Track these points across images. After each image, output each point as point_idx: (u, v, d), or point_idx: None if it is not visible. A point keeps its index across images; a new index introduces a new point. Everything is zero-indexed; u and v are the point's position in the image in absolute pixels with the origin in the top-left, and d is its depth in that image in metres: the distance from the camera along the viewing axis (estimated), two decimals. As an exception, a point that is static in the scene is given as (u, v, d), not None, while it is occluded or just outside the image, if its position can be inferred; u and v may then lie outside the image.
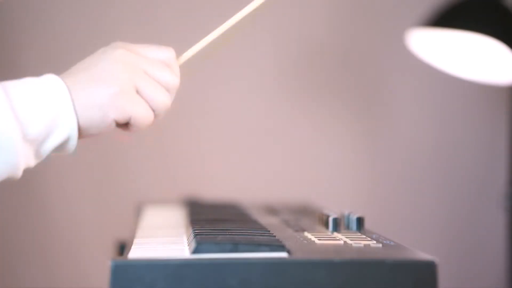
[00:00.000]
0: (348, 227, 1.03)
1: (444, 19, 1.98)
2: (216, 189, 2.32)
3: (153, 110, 0.93)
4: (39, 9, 2.34)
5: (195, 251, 0.81)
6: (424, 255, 0.78)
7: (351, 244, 0.87)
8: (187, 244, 0.89)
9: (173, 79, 0.95)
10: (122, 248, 1.19)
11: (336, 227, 1.01)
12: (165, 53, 0.98)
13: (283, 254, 0.80)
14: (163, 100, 0.93)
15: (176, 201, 1.46)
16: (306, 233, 0.97)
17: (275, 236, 0.91)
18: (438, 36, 2.06)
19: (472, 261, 2.42)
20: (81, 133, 0.90)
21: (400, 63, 2.40)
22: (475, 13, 1.97)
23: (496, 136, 2.40)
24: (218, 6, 2.39)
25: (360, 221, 1.02)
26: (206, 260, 0.77)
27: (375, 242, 0.88)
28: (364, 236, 0.94)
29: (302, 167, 2.43)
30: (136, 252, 0.84)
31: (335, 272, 0.76)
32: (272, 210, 1.27)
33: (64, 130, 0.88)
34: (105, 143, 2.37)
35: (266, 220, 1.12)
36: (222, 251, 0.80)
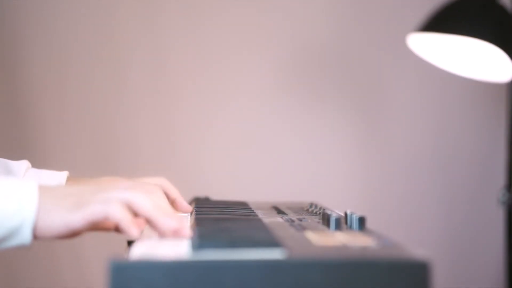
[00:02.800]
0: (350, 227, 1.03)
1: (440, 24, 1.98)
2: (225, 189, 2.33)
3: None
4: (41, 9, 2.33)
5: (195, 247, 0.82)
6: (419, 256, 0.78)
7: (350, 244, 0.87)
8: (190, 242, 0.89)
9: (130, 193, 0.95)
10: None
11: (338, 227, 1.01)
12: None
13: (280, 253, 0.81)
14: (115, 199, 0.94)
15: (186, 201, 1.46)
16: (307, 233, 0.97)
17: (273, 235, 0.91)
18: (435, 38, 2.06)
19: (471, 259, 2.41)
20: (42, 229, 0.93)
21: (399, 64, 2.40)
22: (469, 17, 1.97)
23: (494, 135, 2.40)
24: (217, 7, 2.40)
25: (361, 221, 1.02)
26: (205, 261, 0.77)
27: (374, 242, 0.88)
28: (365, 236, 0.93)
29: (308, 167, 2.43)
30: (137, 252, 0.84)
31: (330, 272, 0.77)
32: (279, 210, 1.27)
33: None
34: (112, 144, 2.37)
35: (271, 220, 1.12)
36: (220, 247, 0.81)
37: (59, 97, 2.35)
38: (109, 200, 0.92)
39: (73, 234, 0.94)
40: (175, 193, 1.27)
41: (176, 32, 2.37)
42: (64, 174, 1.32)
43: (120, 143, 2.39)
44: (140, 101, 2.39)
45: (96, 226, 0.98)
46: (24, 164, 1.32)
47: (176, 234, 0.93)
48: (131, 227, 0.91)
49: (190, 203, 1.43)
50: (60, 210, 0.92)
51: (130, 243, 1.00)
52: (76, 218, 0.92)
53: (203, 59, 2.40)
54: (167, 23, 2.36)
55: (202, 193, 1.58)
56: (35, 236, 0.93)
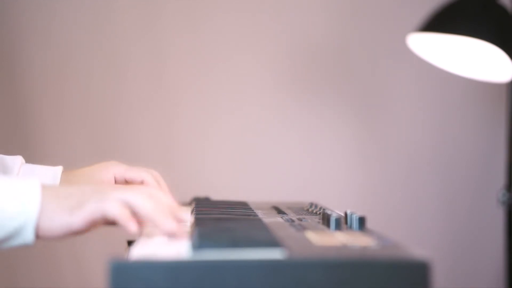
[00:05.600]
0: (350, 227, 1.03)
1: (440, 24, 1.98)
2: (225, 189, 2.32)
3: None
4: (41, 9, 2.33)
5: (195, 246, 0.82)
6: (419, 256, 0.78)
7: (350, 244, 0.87)
8: (190, 242, 0.89)
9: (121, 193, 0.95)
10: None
11: (338, 227, 1.01)
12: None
13: (280, 252, 0.80)
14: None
15: (185, 202, 1.46)
16: (307, 233, 0.96)
17: (273, 235, 0.91)
18: (435, 38, 2.06)
19: (471, 259, 2.41)
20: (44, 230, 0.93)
21: (399, 64, 2.40)
22: (469, 17, 1.96)
23: (494, 135, 2.40)
24: (217, 7, 2.39)
25: (361, 221, 1.02)
26: (205, 260, 0.77)
27: (374, 242, 0.88)
28: (365, 236, 0.93)
29: (308, 167, 2.43)
30: (137, 252, 0.84)
31: (330, 272, 0.77)
32: (279, 210, 1.27)
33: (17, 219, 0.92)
34: (112, 143, 2.37)
35: (271, 220, 1.12)
36: (220, 247, 0.81)
37: (59, 96, 2.35)
38: (106, 198, 0.92)
39: (74, 234, 0.94)
40: (164, 188, 1.27)
41: (176, 32, 2.37)
42: (59, 169, 1.31)
43: (120, 143, 2.39)
44: (140, 101, 2.39)
45: (97, 224, 0.98)
46: (19, 159, 1.32)
47: (173, 236, 0.93)
48: (129, 223, 0.91)
49: (190, 203, 1.43)
50: (61, 212, 0.92)
51: (130, 243, 1.00)
52: (76, 220, 0.92)
53: (203, 59, 2.40)
54: (167, 23, 2.36)
55: (202, 193, 1.58)
56: (38, 236, 0.93)
